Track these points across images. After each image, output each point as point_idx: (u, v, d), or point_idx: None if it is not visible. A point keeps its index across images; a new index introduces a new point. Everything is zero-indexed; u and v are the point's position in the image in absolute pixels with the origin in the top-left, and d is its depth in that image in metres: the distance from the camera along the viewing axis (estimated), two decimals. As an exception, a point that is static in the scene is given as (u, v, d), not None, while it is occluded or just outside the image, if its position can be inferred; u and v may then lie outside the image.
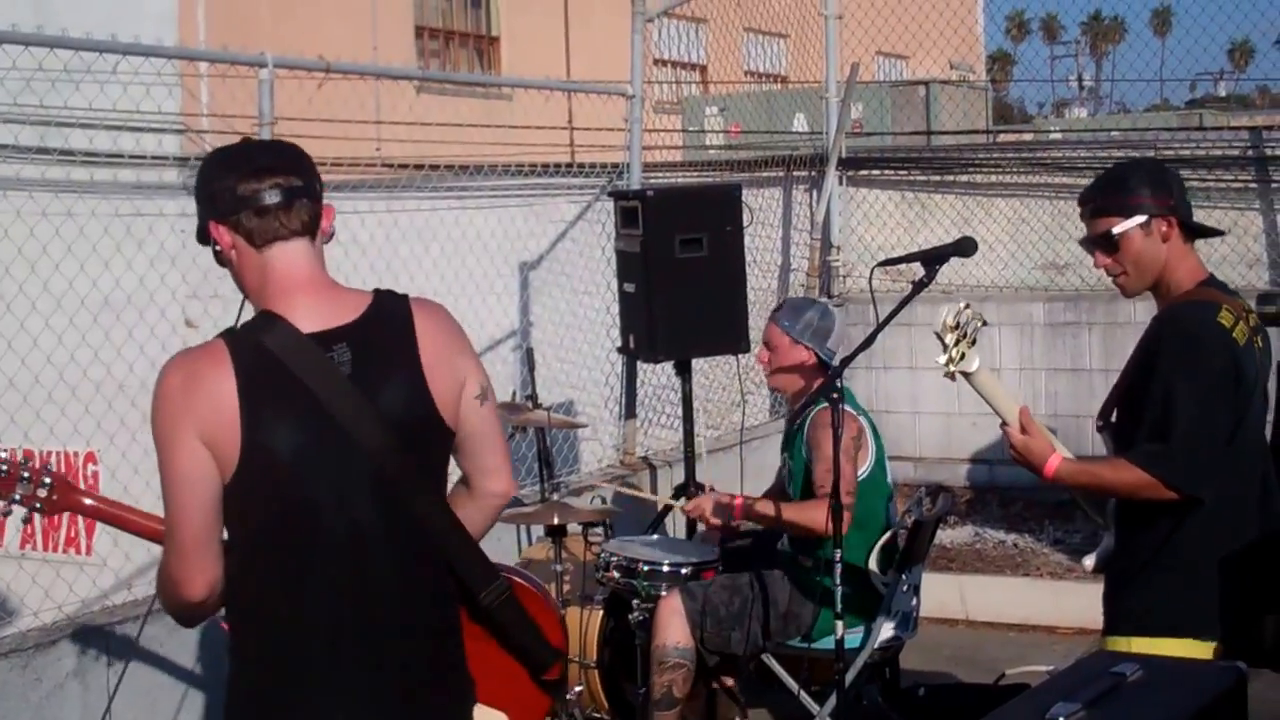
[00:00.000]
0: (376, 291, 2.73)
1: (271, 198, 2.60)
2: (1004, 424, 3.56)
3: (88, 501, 3.17)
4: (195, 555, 2.58)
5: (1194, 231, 3.64)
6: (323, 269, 2.69)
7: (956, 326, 3.42)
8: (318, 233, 2.68)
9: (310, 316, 2.61)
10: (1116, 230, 3.57)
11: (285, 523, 2.59)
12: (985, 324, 3.47)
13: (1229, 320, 3.48)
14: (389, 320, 2.67)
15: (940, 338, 3.43)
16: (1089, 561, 3.80)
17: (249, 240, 2.62)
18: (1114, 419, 3.67)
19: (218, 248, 2.66)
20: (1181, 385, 3.41)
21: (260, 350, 2.56)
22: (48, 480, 3.14)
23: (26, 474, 3.13)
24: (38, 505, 3.14)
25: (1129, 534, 3.61)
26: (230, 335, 2.61)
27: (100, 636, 4.71)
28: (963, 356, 3.42)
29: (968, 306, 3.45)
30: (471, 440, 2.76)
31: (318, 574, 2.59)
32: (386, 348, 2.64)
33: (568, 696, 4.90)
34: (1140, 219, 3.55)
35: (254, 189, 2.60)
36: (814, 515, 4.67)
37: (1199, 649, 3.43)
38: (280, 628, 2.62)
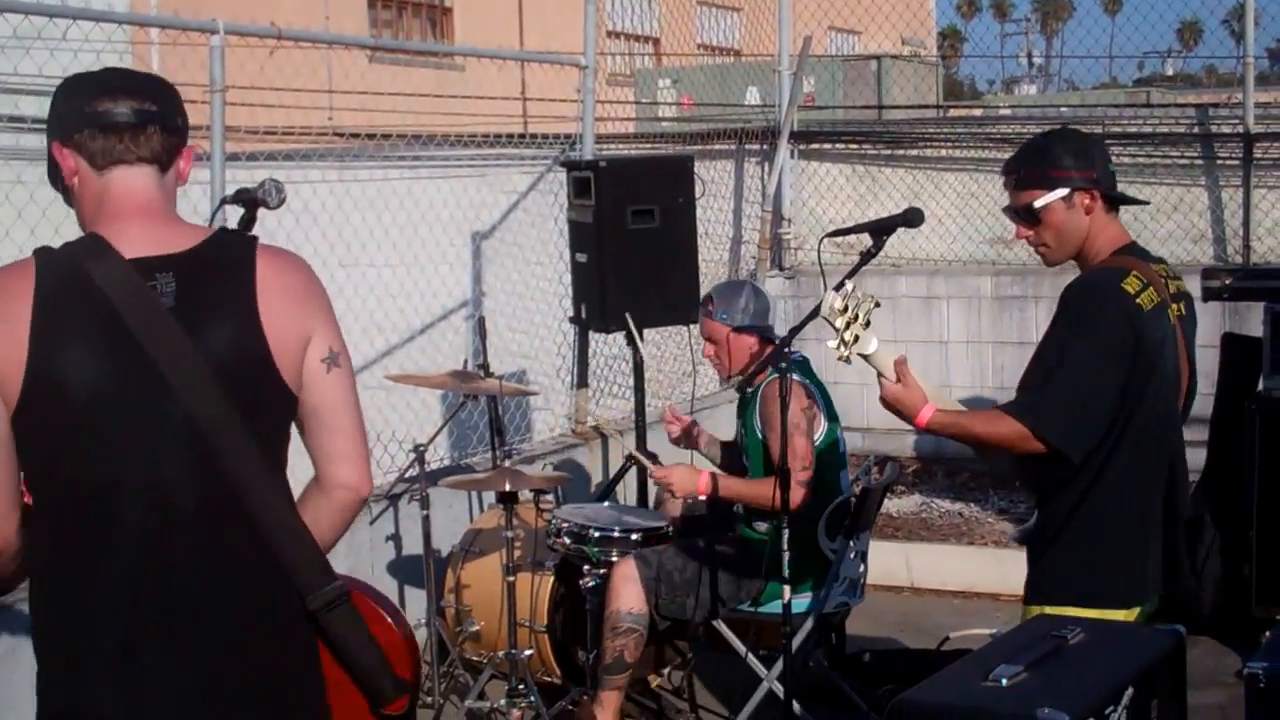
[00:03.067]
0: (221, 229, 2.48)
1: (120, 117, 2.36)
2: (880, 376, 3.47)
3: None
4: None
5: (1117, 201, 3.62)
6: (166, 201, 2.42)
7: (844, 310, 3.32)
8: (171, 169, 2.43)
9: (137, 242, 2.32)
10: (1038, 204, 3.56)
11: (79, 474, 2.25)
12: (878, 305, 3.37)
13: (1135, 286, 3.44)
14: (227, 256, 2.37)
15: (830, 323, 3.33)
16: (1016, 535, 3.84)
17: (91, 162, 2.38)
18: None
19: (65, 184, 2.43)
20: (1070, 345, 3.39)
21: (71, 271, 2.27)
22: None
23: None
24: None
25: (1043, 504, 3.61)
26: (44, 252, 2.33)
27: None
28: (856, 339, 3.33)
29: (855, 289, 3.35)
30: (317, 415, 2.42)
31: (116, 541, 2.25)
32: (218, 283, 2.33)
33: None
34: (1062, 192, 3.54)
35: (103, 107, 2.36)
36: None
37: (1109, 618, 3.43)
38: (72, 600, 2.27)
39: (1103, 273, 3.51)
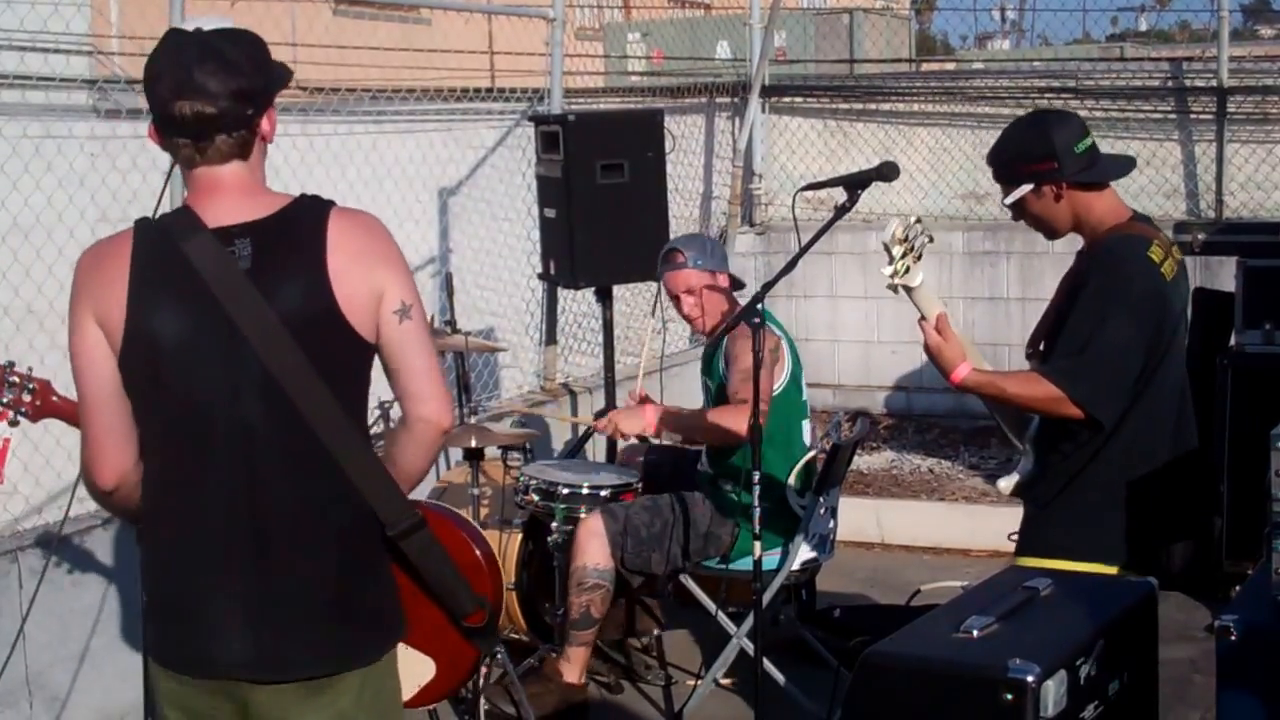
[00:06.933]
0: (301, 195, 2.66)
1: (189, 128, 2.52)
2: (921, 319, 3.57)
3: (64, 403, 3.18)
4: (103, 440, 2.61)
5: (1089, 183, 3.66)
6: (251, 175, 2.63)
7: (905, 239, 3.43)
8: (253, 147, 2.61)
9: (220, 212, 2.57)
10: (1008, 201, 3.69)
11: (174, 414, 2.57)
12: (931, 240, 3.51)
13: (1159, 255, 3.55)
14: (301, 220, 2.60)
15: (888, 249, 3.44)
16: (1004, 484, 3.85)
17: (174, 156, 2.61)
18: (1042, 348, 3.72)
19: None
20: (1108, 315, 3.47)
21: (162, 238, 2.56)
22: (32, 386, 3.22)
23: (14, 379, 3.20)
24: (23, 410, 3.21)
25: (1048, 459, 3.67)
26: (142, 222, 2.63)
27: (11, 561, 4.65)
28: (907, 270, 3.45)
29: (917, 221, 3.47)
30: (392, 360, 2.65)
31: (210, 471, 2.56)
32: (291, 246, 2.57)
33: (497, 650, 4.84)
34: (1028, 187, 3.64)
35: (177, 111, 2.51)
36: (730, 418, 4.71)
37: (1111, 573, 3.50)
38: (177, 523, 2.60)
39: (1129, 240, 3.58)
